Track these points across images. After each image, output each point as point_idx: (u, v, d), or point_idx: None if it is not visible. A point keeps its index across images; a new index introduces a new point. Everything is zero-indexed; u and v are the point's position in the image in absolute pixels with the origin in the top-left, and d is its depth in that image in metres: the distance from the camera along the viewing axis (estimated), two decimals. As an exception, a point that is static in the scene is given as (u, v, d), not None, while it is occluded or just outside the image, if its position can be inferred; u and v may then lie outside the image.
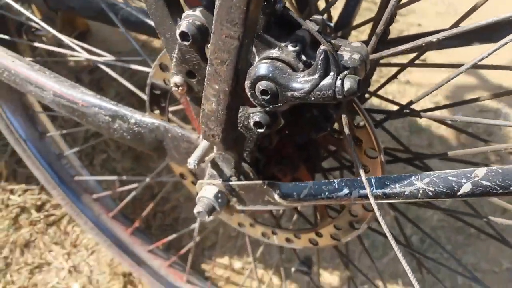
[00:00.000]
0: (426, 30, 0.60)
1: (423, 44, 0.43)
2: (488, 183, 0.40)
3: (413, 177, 0.44)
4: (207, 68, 0.39)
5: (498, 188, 0.40)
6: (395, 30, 1.92)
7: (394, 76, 0.55)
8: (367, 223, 0.62)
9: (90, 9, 1.08)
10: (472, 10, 0.47)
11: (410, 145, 1.50)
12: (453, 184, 0.42)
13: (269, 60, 0.44)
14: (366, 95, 0.64)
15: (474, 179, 0.41)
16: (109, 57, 0.73)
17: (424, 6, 2.02)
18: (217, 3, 0.37)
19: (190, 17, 0.44)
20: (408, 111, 0.51)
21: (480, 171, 0.41)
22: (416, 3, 0.50)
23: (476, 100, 0.50)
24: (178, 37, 0.43)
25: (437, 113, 0.49)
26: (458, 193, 0.42)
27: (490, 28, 0.57)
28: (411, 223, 0.73)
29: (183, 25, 0.42)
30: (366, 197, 0.47)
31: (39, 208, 1.34)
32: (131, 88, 0.72)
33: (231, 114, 0.43)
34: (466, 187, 0.41)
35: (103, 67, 0.76)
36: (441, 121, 0.56)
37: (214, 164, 0.58)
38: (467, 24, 0.40)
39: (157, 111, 0.68)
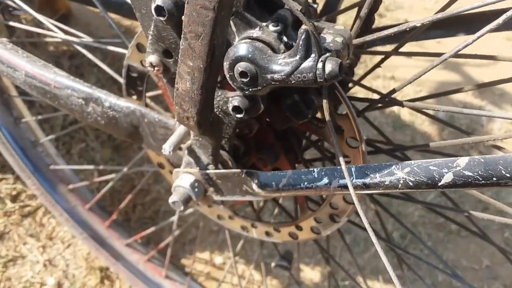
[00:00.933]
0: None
1: (408, 29, 0.41)
2: (470, 173, 0.39)
3: (393, 166, 0.43)
4: (181, 43, 0.37)
5: (481, 179, 0.39)
6: (382, 25, 1.94)
7: (378, 65, 0.54)
8: (347, 216, 0.61)
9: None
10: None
11: (394, 140, 1.50)
12: (434, 174, 0.41)
13: (249, 40, 0.42)
14: (350, 85, 0.63)
15: (456, 169, 0.40)
16: (86, 39, 0.70)
17: (411, 1, 2.03)
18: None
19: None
20: (390, 100, 0.50)
21: (462, 161, 0.40)
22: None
23: (458, 90, 0.49)
24: (153, 12, 0.41)
25: (419, 104, 0.48)
26: (440, 184, 0.41)
27: (476, 18, 0.56)
28: (393, 218, 0.72)
29: (158, -2, 0.40)
30: (346, 187, 0.46)
31: (14, 198, 1.30)
32: (108, 71, 0.69)
33: (206, 94, 0.41)
34: (448, 177, 0.40)
35: (80, 49, 0.73)
36: (423, 112, 0.55)
37: (191, 151, 0.56)
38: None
39: (134, 96, 0.65)
